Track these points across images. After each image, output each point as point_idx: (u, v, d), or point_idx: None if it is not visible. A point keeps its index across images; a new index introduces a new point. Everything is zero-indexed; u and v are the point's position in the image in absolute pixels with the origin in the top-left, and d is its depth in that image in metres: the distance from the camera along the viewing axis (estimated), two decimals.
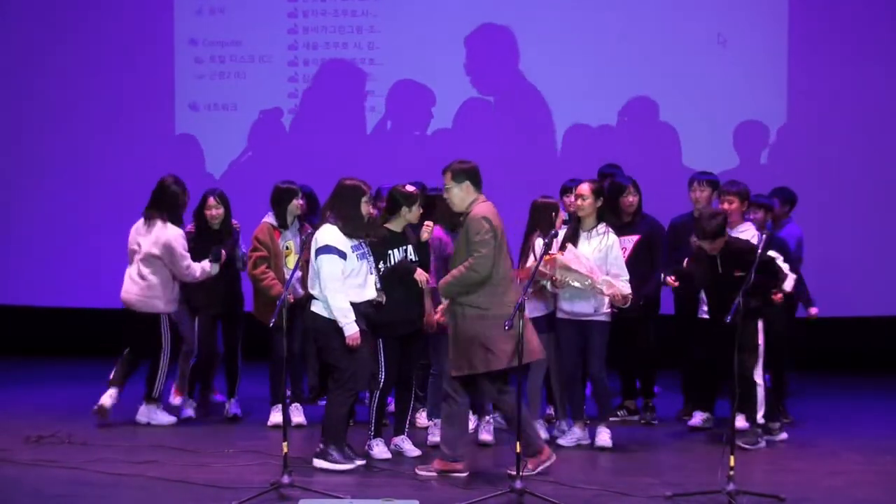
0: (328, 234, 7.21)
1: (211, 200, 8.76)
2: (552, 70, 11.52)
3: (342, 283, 7.19)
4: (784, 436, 8.25)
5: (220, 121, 11.90)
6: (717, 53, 11.41)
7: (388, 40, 11.74)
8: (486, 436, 8.08)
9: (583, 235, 7.98)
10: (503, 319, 6.68)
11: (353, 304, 7.22)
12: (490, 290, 6.99)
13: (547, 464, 7.15)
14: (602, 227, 7.95)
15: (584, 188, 7.98)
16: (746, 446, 7.86)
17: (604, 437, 7.98)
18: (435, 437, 7.87)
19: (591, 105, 11.51)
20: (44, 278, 11.94)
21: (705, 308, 8.39)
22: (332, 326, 7.20)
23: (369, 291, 7.34)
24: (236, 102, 11.90)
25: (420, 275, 7.55)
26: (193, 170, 11.53)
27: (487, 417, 8.13)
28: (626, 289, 7.81)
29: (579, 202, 7.97)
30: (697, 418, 8.58)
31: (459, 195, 7.11)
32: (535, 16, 11.58)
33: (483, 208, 7.05)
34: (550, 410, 8.69)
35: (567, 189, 8.68)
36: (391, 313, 7.49)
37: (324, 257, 7.18)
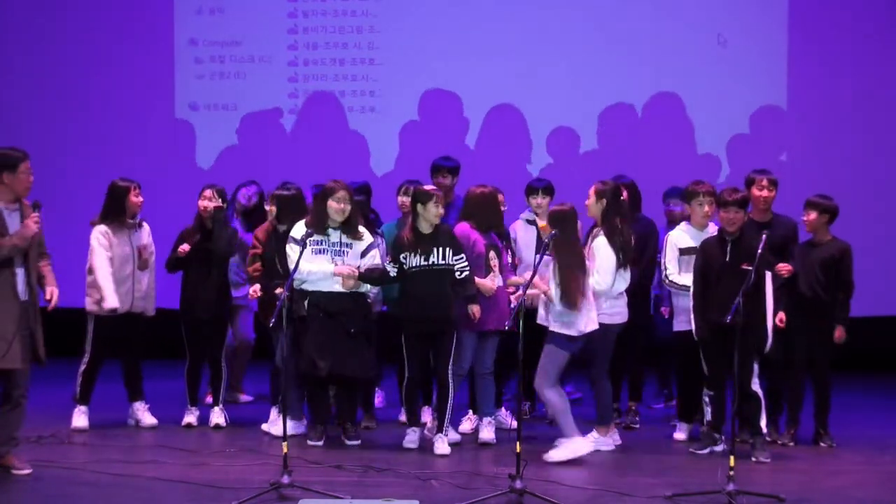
0: (296, 226, 7.87)
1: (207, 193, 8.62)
2: (554, 70, 11.53)
3: (309, 261, 7.71)
4: (722, 447, 7.80)
5: (220, 121, 11.91)
6: (718, 53, 11.44)
7: (388, 40, 11.74)
8: (486, 435, 8.09)
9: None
10: None
11: (314, 295, 7.78)
12: None
13: None
14: (597, 229, 7.96)
15: (590, 190, 8.02)
16: (697, 451, 7.87)
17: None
18: (457, 435, 8.09)
19: (590, 105, 11.55)
20: None
21: (682, 318, 8.14)
22: (295, 317, 7.77)
23: (330, 283, 7.81)
24: (236, 102, 11.90)
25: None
26: (193, 169, 11.54)
27: (488, 418, 8.15)
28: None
29: (586, 203, 8.02)
30: (683, 432, 8.41)
31: None
32: (536, 15, 11.59)
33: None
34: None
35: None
36: (402, 310, 7.96)
37: (287, 247, 7.87)
